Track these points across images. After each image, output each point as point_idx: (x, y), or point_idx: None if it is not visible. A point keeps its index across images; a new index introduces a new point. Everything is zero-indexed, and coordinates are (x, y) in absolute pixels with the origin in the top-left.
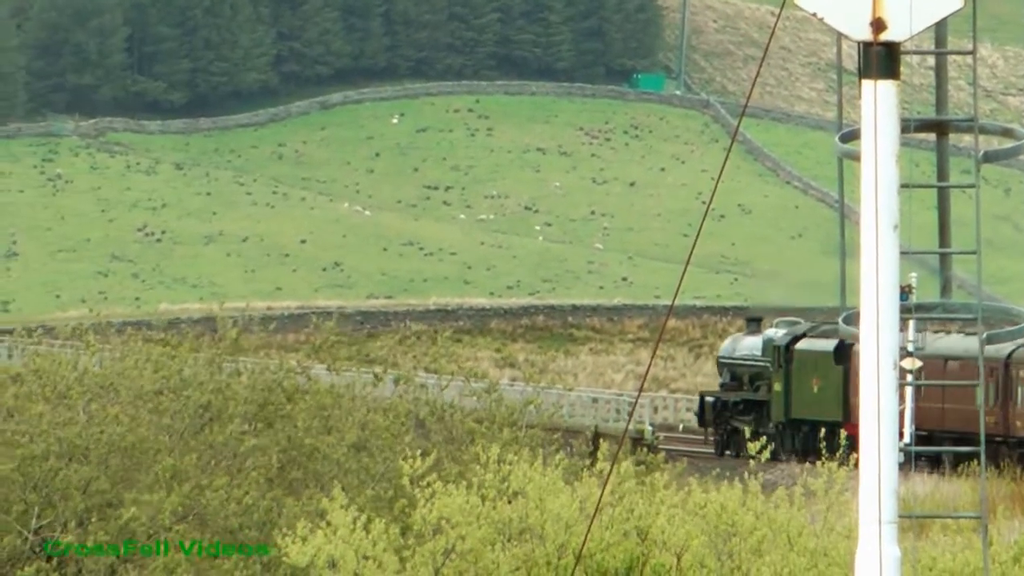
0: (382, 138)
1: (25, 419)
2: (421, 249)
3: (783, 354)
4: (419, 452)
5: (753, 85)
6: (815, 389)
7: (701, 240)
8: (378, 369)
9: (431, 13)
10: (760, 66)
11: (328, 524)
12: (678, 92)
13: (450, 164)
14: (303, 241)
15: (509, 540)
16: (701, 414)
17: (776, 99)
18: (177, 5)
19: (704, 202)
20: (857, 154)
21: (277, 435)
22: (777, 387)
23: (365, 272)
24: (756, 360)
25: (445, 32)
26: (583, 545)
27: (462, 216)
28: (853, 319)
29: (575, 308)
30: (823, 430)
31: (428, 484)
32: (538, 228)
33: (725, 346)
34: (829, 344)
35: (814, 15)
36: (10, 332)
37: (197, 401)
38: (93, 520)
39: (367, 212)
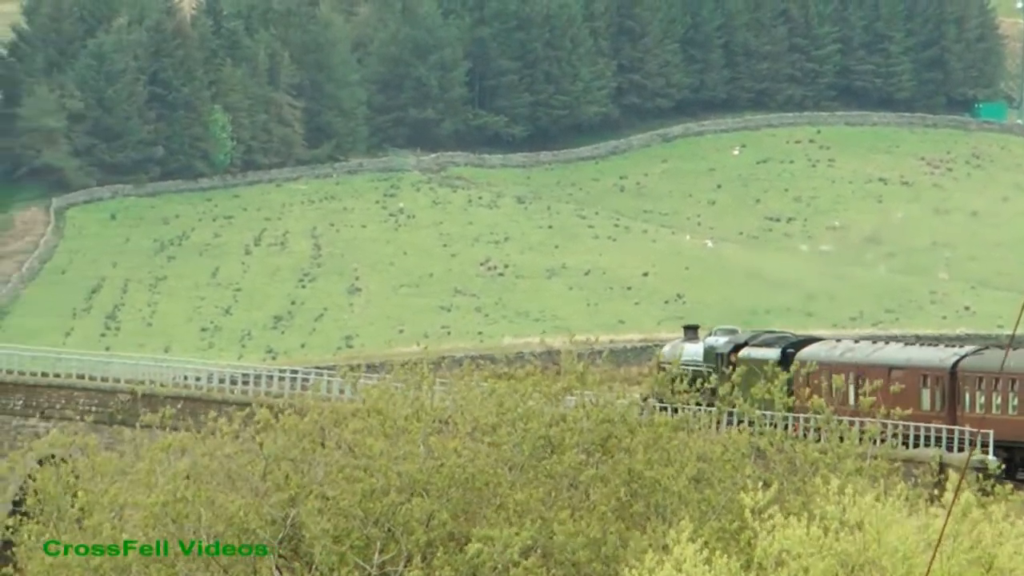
0: (723, 169)
1: (364, 454)
2: (763, 280)
3: (725, 361)
4: (760, 483)
5: None
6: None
7: None
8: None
9: (771, 44)
10: None
11: (671, 557)
12: (1020, 121)
13: (792, 195)
14: (645, 274)
15: (852, 572)
16: None
17: None
18: (517, 39)
19: None
20: None
21: (617, 467)
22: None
23: (708, 304)
24: (699, 365)
25: (785, 63)
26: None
27: (804, 247)
28: None
29: (919, 338)
30: None
31: (769, 516)
32: (878, 258)
33: (666, 352)
34: (772, 352)
35: None
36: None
37: (536, 432)
38: (438, 554)
39: (709, 244)
